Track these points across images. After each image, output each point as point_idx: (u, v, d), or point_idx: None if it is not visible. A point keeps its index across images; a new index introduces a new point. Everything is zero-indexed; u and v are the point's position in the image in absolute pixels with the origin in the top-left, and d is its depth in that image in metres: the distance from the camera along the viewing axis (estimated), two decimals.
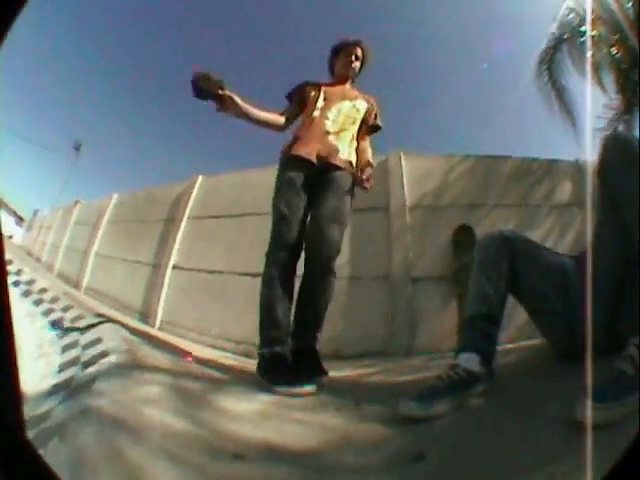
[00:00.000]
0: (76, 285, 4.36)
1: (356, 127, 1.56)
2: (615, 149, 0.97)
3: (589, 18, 4.06)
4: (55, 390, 1.00)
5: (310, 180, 1.39)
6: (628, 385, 0.67)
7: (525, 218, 2.39)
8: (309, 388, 1.15)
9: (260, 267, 1.35)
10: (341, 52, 1.63)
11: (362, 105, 1.59)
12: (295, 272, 1.36)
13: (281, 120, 1.53)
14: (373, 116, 1.61)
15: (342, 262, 2.16)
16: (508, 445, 0.65)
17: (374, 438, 0.79)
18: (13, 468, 0.39)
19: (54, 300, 2.54)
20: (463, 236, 2.16)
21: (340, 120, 1.51)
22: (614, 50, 4.07)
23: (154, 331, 2.62)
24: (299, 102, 1.59)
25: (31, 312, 2.23)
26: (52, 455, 0.58)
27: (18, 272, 3.49)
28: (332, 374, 1.32)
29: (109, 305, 3.27)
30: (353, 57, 1.61)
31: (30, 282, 3.14)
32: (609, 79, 4.36)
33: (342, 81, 1.64)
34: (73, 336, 1.61)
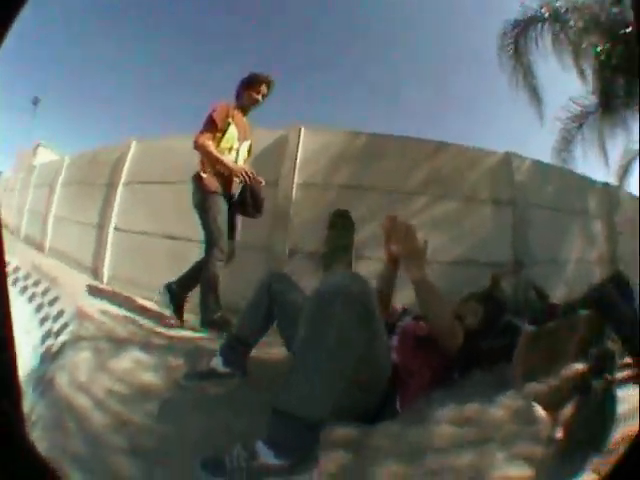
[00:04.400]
0: (40, 247, 4.72)
1: None
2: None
3: None
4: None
5: None
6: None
7: (412, 206, 2.51)
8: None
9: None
10: (253, 86, 1.82)
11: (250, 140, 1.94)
12: None
13: None
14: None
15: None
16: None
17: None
18: (13, 468, 0.38)
19: (27, 277, 2.86)
20: (339, 219, 2.37)
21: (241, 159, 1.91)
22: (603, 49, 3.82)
23: (103, 285, 3.01)
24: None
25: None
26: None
27: None
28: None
29: (67, 263, 3.69)
30: (261, 96, 1.85)
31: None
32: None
33: (245, 113, 1.90)
34: (44, 310, 2.02)
